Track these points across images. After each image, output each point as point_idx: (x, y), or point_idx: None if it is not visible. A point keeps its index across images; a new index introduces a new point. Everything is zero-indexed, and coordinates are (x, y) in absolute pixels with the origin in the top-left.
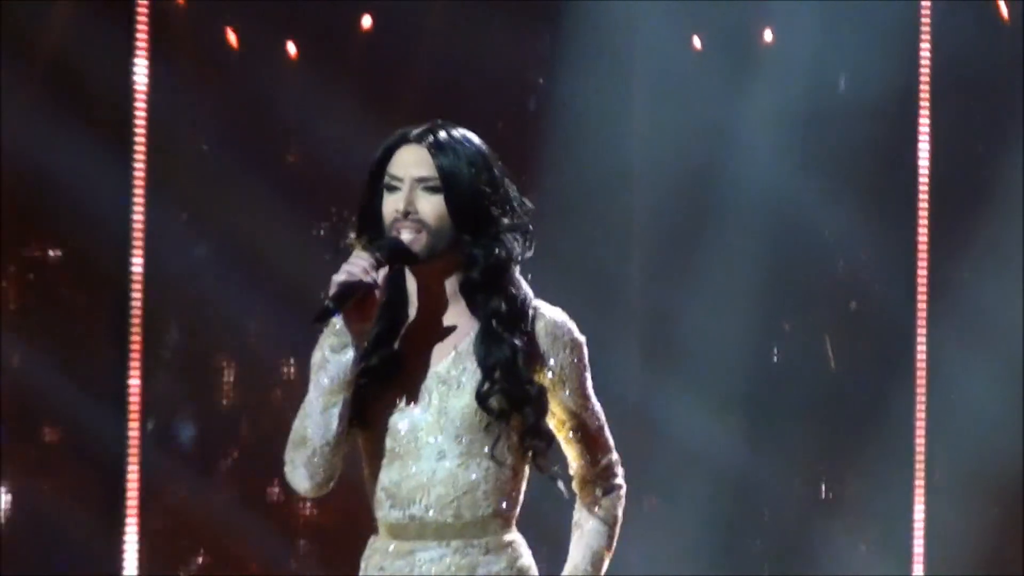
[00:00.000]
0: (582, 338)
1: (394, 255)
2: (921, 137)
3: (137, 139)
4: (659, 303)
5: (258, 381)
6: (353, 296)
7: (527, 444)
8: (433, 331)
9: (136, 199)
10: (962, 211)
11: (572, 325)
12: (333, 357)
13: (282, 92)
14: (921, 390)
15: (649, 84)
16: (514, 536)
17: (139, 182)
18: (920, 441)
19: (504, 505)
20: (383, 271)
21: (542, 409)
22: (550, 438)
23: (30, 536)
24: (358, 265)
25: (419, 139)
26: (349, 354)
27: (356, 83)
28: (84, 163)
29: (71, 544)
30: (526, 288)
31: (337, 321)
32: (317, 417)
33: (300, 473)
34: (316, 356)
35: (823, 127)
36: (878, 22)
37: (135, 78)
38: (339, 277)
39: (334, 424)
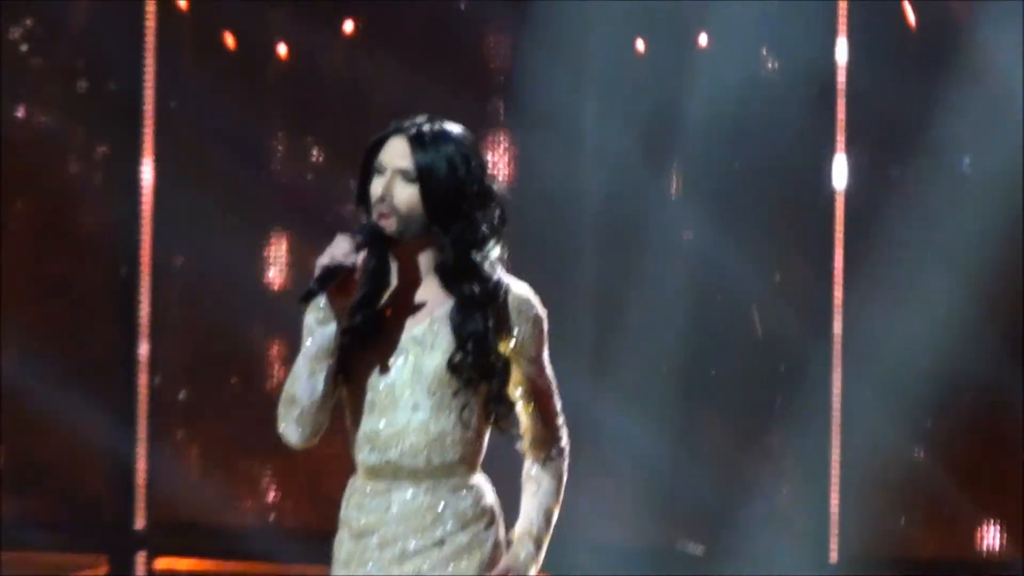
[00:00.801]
0: (544, 312)
1: (371, 237)
2: (839, 100)
3: None
4: (608, 283)
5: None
6: (336, 277)
7: (490, 409)
8: (411, 299)
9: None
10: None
11: (536, 301)
12: (317, 329)
13: (274, 88)
14: (837, 347)
15: (599, 82)
16: (478, 479)
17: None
18: (836, 394)
19: (469, 453)
20: (362, 253)
21: (506, 380)
22: (511, 405)
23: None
24: (340, 249)
25: (406, 132)
26: (331, 327)
27: (339, 83)
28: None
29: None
30: (499, 270)
31: (321, 299)
32: (305, 380)
33: (291, 428)
34: (306, 321)
35: (751, 115)
36: (800, 21)
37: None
38: (323, 260)
39: (319, 387)
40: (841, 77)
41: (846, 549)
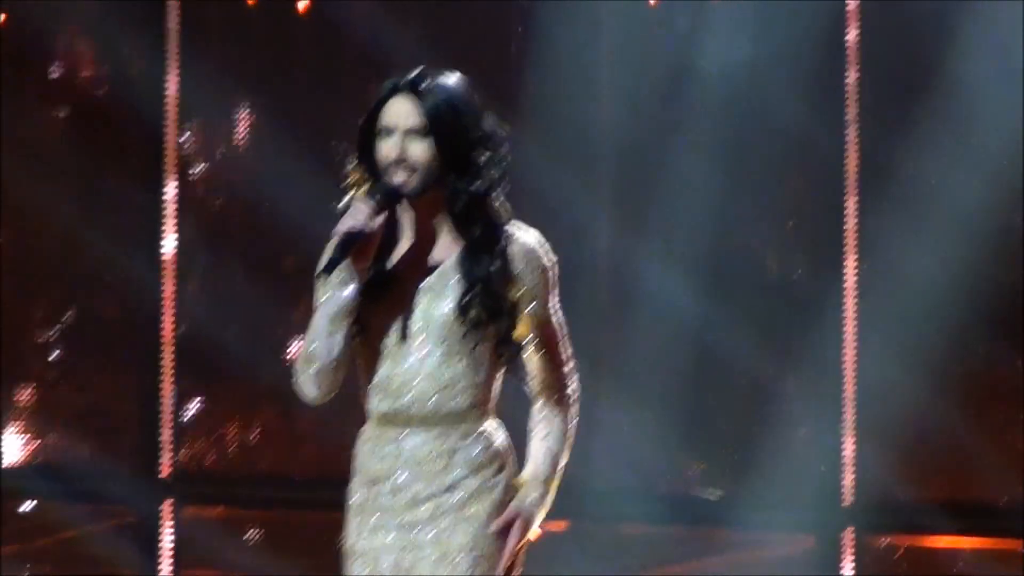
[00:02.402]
0: (552, 258)
1: (390, 198)
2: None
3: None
4: (622, 229)
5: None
6: (356, 243)
7: (500, 351)
8: (422, 251)
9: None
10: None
11: (545, 248)
12: (337, 290)
13: (295, 44)
14: (850, 292)
15: (614, 32)
16: (490, 424)
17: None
18: (849, 339)
19: (480, 398)
20: (381, 217)
21: (514, 321)
22: (519, 346)
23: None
24: (359, 215)
25: (408, 89)
26: (351, 288)
27: (359, 36)
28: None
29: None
30: (504, 214)
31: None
32: (323, 339)
33: (308, 385)
34: (322, 281)
35: (764, 66)
36: None
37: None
38: (343, 227)
39: (338, 346)
40: (852, 10)
41: (860, 493)
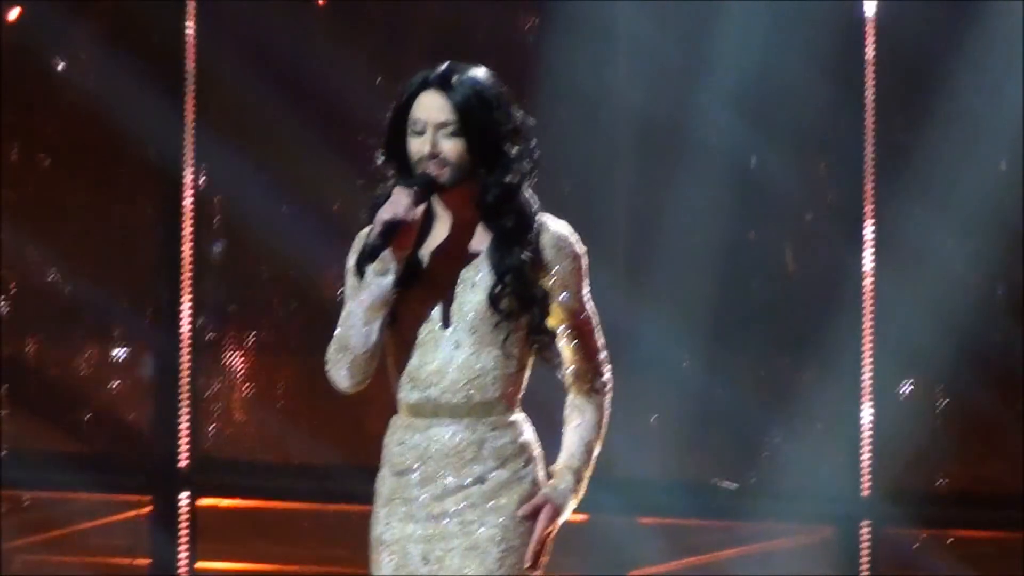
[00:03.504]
0: (582, 249)
1: (427, 189)
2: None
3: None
4: (640, 216)
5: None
6: (397, 232)
7: (532, 339)
8: (454, 242)
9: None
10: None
11: (575, 238)
12: (376, 280)
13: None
14: (869, 276)
15: (631, 21)
16: (518, 416)
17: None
18: (868, 329)
19: (509, 390)
20: (421, 207)
21: (546, 309)
22: (552, 335)
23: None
24: (400, 204)
25: (438, 85)
26: (390, 278)
27: (374, 25)
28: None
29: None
30: (534, 205)
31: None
32: (360, 329)
33: (342, 374)
34: (359, 272)
35: (782, 50)
36: None
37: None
38: (385, 216)
39: (374, 336)
40: None
41: (878, 485)
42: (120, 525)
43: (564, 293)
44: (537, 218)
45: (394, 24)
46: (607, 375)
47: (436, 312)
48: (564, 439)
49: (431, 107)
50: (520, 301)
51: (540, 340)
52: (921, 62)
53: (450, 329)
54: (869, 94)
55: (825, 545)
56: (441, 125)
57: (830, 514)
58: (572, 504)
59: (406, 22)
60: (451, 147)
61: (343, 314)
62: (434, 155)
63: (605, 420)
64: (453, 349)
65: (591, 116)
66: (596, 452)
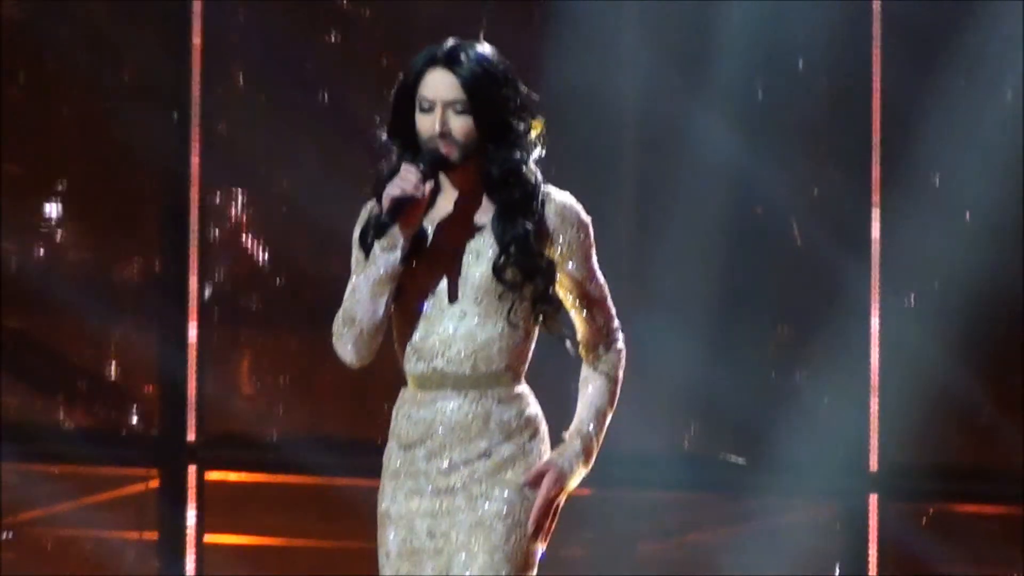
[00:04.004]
0: (588, 218)
1: (435, 165)
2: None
3: None
4: (647, 194)
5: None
6: (405, 208)
7: (538, 309)
8: (459, 215)
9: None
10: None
11: (579, 208)
12: (382, 255)
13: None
14: (875, 256)
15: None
16: (523, 389)
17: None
18: (875, 304)
19: (515, 361)
20: (430, 183)
21: (551, 278)
22: (558, 304)
23: None
24: (409, 180)
25: (446, 62)
26: (397, 253)
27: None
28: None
29: None
30: (538, 176)
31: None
32: (366, 303)
33: (348, 348)
34: (364, 246)
35: (788, 29)
36: None
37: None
38: (394, 192)
39: (380, 310)
40: None
41: (885, 460)
42: (128, 499)
43: (571, 262)
44: (542, 189)
45: (394, 15)
46: (620, 343)
47: (442, 284)
48: (578, 407)
49: (440, 85)
50: (524, 271)
51: (545, 310)
52: (931, 35)
53: (455, 300)
54: (876, 66)
55: (832, 519)
56: (450, 103)
57: (838, 489)
58: (580, 471)
59: (406, 16)
60: (460, 125)
61: (349, 288)
62: (444, 134)
63: (618, 389)
64: (458, 320)
65: (597, 95)
66: (608, 420)
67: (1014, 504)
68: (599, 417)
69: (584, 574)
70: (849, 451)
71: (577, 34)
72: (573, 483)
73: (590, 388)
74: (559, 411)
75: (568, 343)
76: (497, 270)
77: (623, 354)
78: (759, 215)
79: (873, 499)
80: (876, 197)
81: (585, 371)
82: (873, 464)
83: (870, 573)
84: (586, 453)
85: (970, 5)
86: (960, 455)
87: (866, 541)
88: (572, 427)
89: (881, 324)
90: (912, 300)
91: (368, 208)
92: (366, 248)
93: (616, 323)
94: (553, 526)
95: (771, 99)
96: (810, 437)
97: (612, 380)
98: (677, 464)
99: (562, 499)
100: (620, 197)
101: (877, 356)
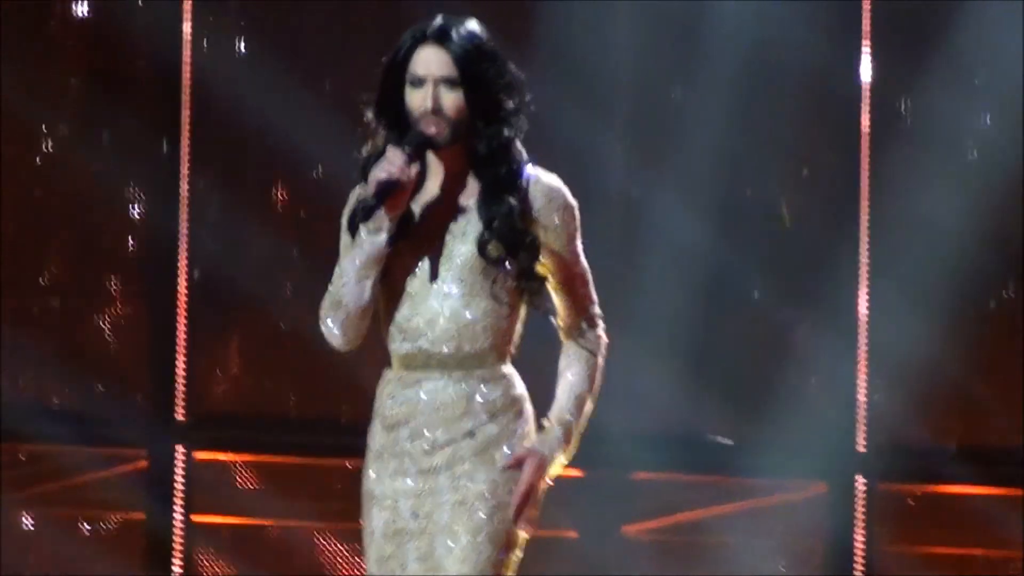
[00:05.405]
0: (574, 202)
1: (421, 147)
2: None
3: None
4: (636, 177)
5: None
6: (392, 191)
7: (522, 286)
8: (445, 195)
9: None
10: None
11: (565, 190)
12: (369, 238)
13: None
14: (864, 238)
15: None
16: (509, 369)
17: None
18: (863, 285)
19: (500, 341)
20: (415, 166)
21: (535, 254)
22: (542, 280)
23: None
24: (395, 164)
25: (437, 39)
26: (383, 236)
27: None
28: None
29: None
30: (524, 156)
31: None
32: (353, 286)
33: (335, 332)
34: (352, 230)
35: (779, 11)
36: None
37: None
38: (380, 175)
39: (367, 293)
40: None
41: (873, 440)
42: (115, 479)
43: (555, 244)
44: (528, 170)
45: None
46: (601, 328)
47: (426, 264)
48: (557, 392)
49: (431, 61)
50: (508, 246)
51: (530, 286)
52: (920, 14)
53: (440, 280)
54: (865, 46)
55: (820, 500)
56: (442, 79)
57: (825, 470)
58: (561, 457)
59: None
60: (451, 101)
61: (336, 271)
62: (436, 110)
63: (599, 375)
64: (443, 300)
65: (587, 79)
66: (588, 405)
67: (1002, 485)
68: (579, 402)
69: (573, 554)
70: (837, 431)
71: (569, 8)
72: (554, 470)
73: (569, 373)
74: (544, 393)
75: (553, 319)
76: (480, 246)
77: (603, 340)
78: (749, 196)
79: (861, 480)
80: (866, 176)
81: (565, 355)
82: (861, 445)
83: (857, 553)
84: (566, 440)
85: None
86: (947, 436)
87: (853, 522)
88: (552, 414)
89: (870, 304)
90: (902, 280)
91: (356, 192)
92: (353, 231)
93: (597, 309)
94: (536, 513)
95: (760, 78)
96: (799, 417)
97: (592, 365)
98: (664, 445)
99: (543, 486)
100: (609, 175)
101: (866, 336)
